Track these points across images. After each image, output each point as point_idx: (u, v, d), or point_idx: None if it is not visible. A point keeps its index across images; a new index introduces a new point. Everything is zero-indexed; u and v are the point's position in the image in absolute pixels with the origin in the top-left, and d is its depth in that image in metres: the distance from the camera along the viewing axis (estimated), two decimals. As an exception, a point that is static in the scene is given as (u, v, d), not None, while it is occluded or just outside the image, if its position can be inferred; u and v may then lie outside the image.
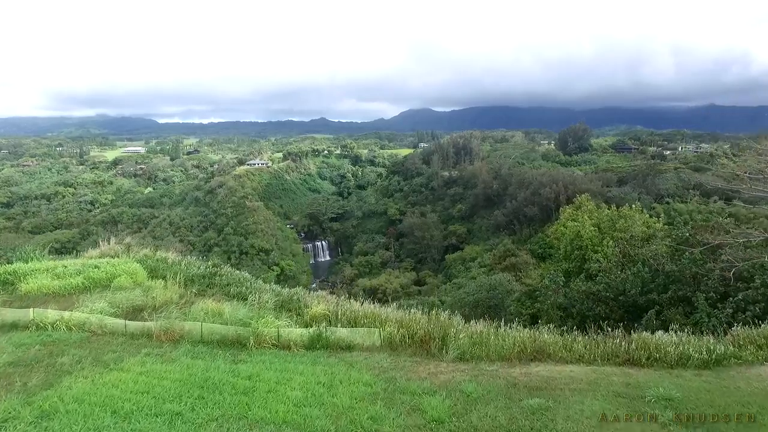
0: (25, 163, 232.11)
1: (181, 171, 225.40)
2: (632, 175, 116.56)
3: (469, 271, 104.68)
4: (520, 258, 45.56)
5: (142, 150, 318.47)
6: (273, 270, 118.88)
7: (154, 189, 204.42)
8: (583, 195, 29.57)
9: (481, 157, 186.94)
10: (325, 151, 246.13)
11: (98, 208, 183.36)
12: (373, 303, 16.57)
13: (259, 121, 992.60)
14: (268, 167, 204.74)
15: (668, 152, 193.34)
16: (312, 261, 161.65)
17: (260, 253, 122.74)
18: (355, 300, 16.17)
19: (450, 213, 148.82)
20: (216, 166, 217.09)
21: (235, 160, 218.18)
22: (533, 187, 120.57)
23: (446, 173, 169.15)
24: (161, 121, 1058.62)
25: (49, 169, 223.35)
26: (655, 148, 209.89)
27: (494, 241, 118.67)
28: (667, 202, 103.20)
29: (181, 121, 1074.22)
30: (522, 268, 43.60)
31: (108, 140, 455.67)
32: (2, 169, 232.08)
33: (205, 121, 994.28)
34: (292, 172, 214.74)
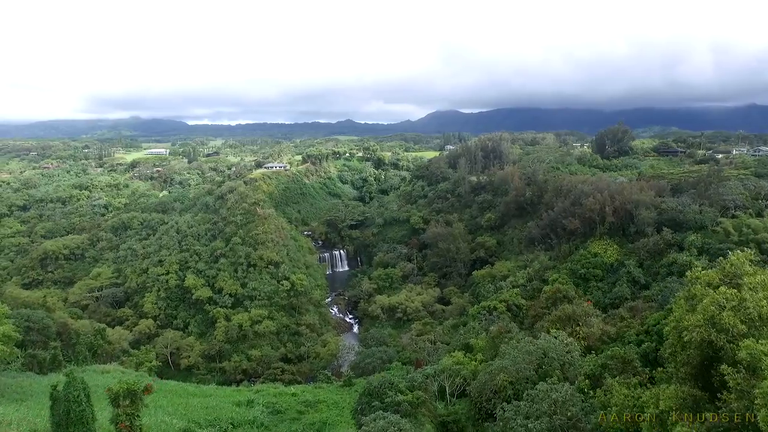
0: (45, 166, 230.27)
1: (198, 174, 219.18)
2: (690, 182, 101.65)
3: (500, 292, 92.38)
4: (578, 307, 33.09)
5: (164, 152, 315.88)
6: (282, 285, 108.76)
7: (169, 192, 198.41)
8: (737, 252, 17.30)
9: (512, 160, 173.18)
10: (347, 154, 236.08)
11: (111, 212, 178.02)
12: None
13: (286, 122, 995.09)
14: (286, 170, 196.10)
15: (720, 155, 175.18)
16: (329, 271, 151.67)
17: (269, 266, 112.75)
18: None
19: (478, 222, 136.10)
20: (233, 169, 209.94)
21: (253, 163, 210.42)
22: (573, 196, 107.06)
23: (474, 178, 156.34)
24: (191, 122, 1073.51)
25: (68, 172, 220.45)
26: (704, 151, 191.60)
27: (528, 257, 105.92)
28: (734, 216, 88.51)
29: (210, 123, 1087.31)
30: (581, 320, 31.56)
31: (136, 141, 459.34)
32: (24, 172, 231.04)
33: (233, 123, 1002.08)
34: (312, 175, 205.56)
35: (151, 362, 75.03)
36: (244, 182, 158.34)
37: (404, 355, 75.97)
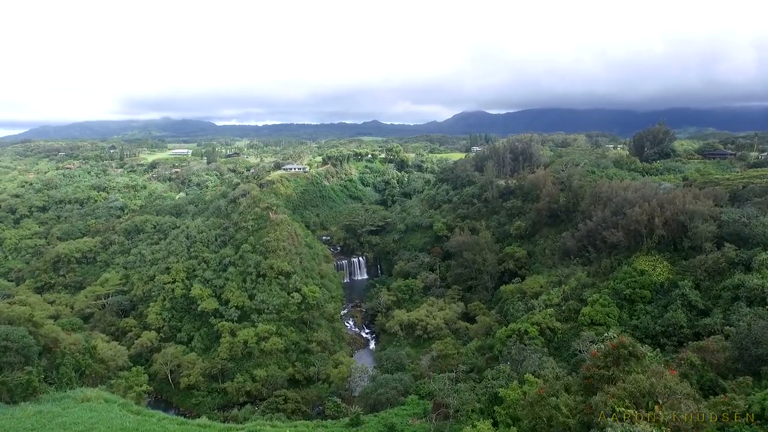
0: (67, 166, 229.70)
1: (216, 175, 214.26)
2: (756, 190, 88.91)
3: (531, 313, 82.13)
4: (658, 378, 21.78)
5: (188, 152, 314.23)
6: (293, 297, 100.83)
7: (185, 194, 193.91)
8: None
9: (544, 163, 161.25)
10: (369, 155, 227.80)
11: (127, 213, 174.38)
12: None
13: (312, 123, 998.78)
14: (304, 172, 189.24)
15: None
16: (346, 279, 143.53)
17: (280, 276, 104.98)
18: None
19: (506, 230, 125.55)
20: (252, 171, 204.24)
21: (272, 164, 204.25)
22: (615, 204, 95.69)
23: (502, 182, 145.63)
24: (219, 123, 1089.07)
25: (88, 172, 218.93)
26: (757, 154, 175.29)
27: (563, 271, 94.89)
28: (809, 230, 75.82)
29: (237, 124, 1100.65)
30: (663, 397, 20.87)
31: (163, 142, 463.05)
32: (47, 172, 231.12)
33: (260, 124, 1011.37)
34: (332, 177, 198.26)
35: (141, 386, 67.94)
36: (260, 185, 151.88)
37: (422, 386, 66.71)
